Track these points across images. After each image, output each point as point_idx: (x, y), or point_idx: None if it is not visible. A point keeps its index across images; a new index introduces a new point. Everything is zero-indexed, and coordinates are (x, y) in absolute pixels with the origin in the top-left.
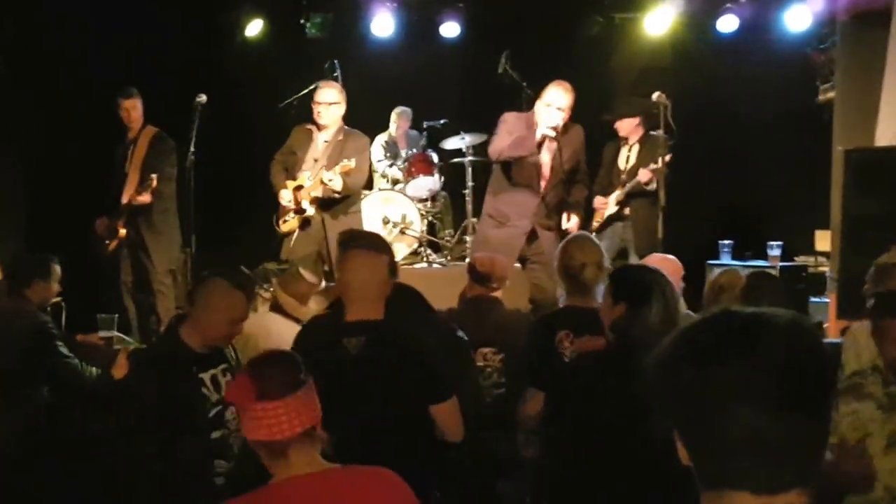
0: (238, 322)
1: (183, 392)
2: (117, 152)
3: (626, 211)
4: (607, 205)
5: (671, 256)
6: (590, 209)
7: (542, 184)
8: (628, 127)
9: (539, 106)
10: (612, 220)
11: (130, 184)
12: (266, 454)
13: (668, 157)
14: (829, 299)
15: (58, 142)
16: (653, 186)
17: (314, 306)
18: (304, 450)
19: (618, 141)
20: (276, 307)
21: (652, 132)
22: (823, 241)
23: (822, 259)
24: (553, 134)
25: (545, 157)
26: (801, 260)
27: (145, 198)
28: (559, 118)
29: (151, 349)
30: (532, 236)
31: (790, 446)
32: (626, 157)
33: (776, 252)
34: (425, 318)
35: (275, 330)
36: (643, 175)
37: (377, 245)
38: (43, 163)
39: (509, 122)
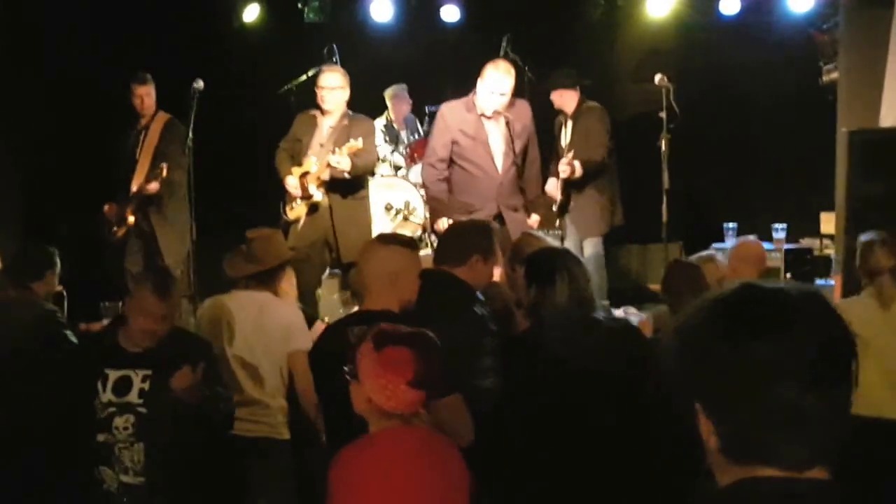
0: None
1: (80, 385)
2: (128, 138)
3: (567, 198)
4: (558, 191)
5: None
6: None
7: (499, 164)
8: (560, 100)
9: (481, 91)
10: (562, 210)
11: (141, 171)
12: (377, 411)
13: (667, 139)
14: (834, 282)
15: (56, 126)
16: (579, 173)
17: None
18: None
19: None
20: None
21: (589, 103)
22: (828, 223)
23: (826, 241)
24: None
25: (496, 137)
26: (806, 242)
27: (154, 187)
28: (503, 103)
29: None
30: (499, 220)
31: (822, 420)
32: (565, 134)
33: (781, 234)
34: (457, 309)
35: (234, 308)
36: (563, 170)
37: (394, 239)
38: (42, 148)
39: (446, 117)
